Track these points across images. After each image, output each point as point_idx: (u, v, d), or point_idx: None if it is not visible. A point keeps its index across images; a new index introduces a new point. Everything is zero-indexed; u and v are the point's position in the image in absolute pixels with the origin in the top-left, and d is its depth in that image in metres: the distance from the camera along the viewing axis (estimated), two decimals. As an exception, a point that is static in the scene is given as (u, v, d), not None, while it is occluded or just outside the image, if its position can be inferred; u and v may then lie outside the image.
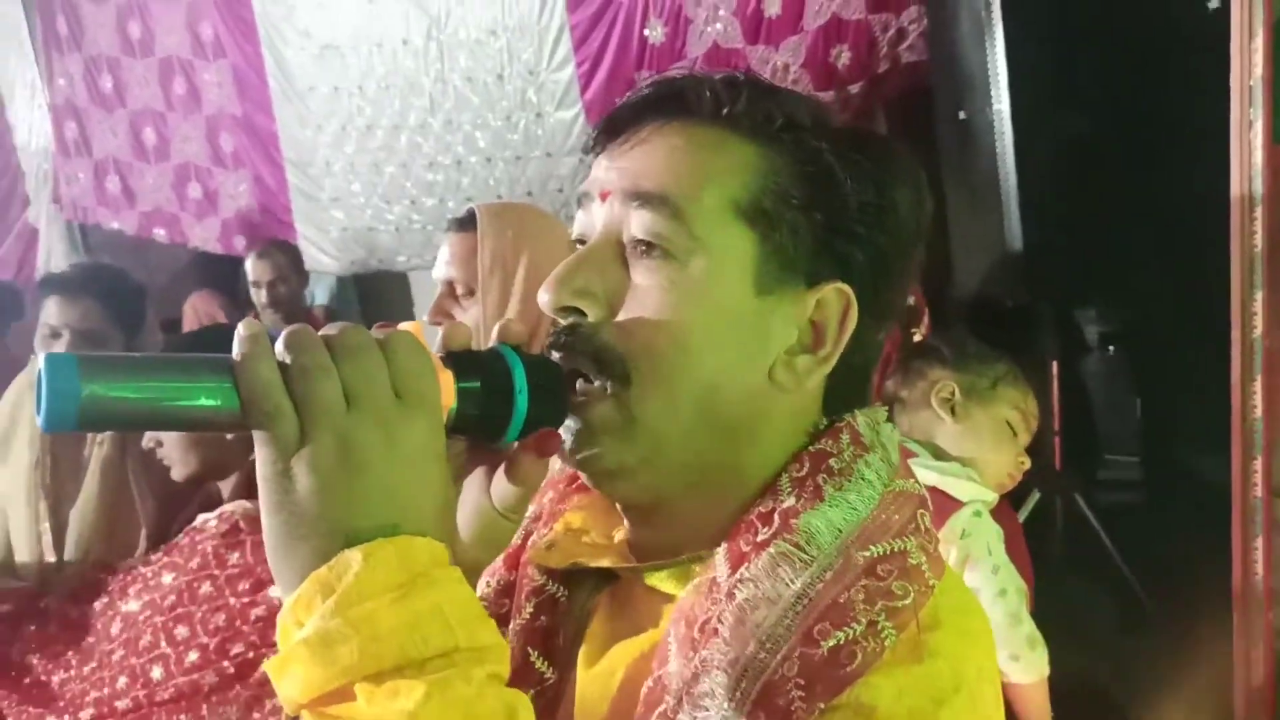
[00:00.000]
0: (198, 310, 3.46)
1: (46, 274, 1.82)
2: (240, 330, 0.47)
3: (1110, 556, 2.54)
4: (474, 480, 0.59)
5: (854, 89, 2.82)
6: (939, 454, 1.52)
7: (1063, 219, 2.37)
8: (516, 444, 0.56)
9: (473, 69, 3.27)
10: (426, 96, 3.35)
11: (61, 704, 1.26)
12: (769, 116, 0.58)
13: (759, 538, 0.55)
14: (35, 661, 1.33)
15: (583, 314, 0.58)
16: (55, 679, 1.31)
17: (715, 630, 0.52)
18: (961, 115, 2.51)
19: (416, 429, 0.48)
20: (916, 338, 1.66)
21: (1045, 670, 1.47)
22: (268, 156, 3.71)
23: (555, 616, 0.64)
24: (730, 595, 0.53)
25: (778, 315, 0.58)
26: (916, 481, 0.60)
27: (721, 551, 0.55)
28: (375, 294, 4.09)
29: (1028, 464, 1.57)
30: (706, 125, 0.58)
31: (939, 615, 0.54)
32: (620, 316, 0.57)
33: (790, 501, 0.56)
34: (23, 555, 1.70)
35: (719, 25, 2.88)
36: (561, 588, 0.64)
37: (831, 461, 0.57)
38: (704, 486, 0.59)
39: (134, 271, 4.02)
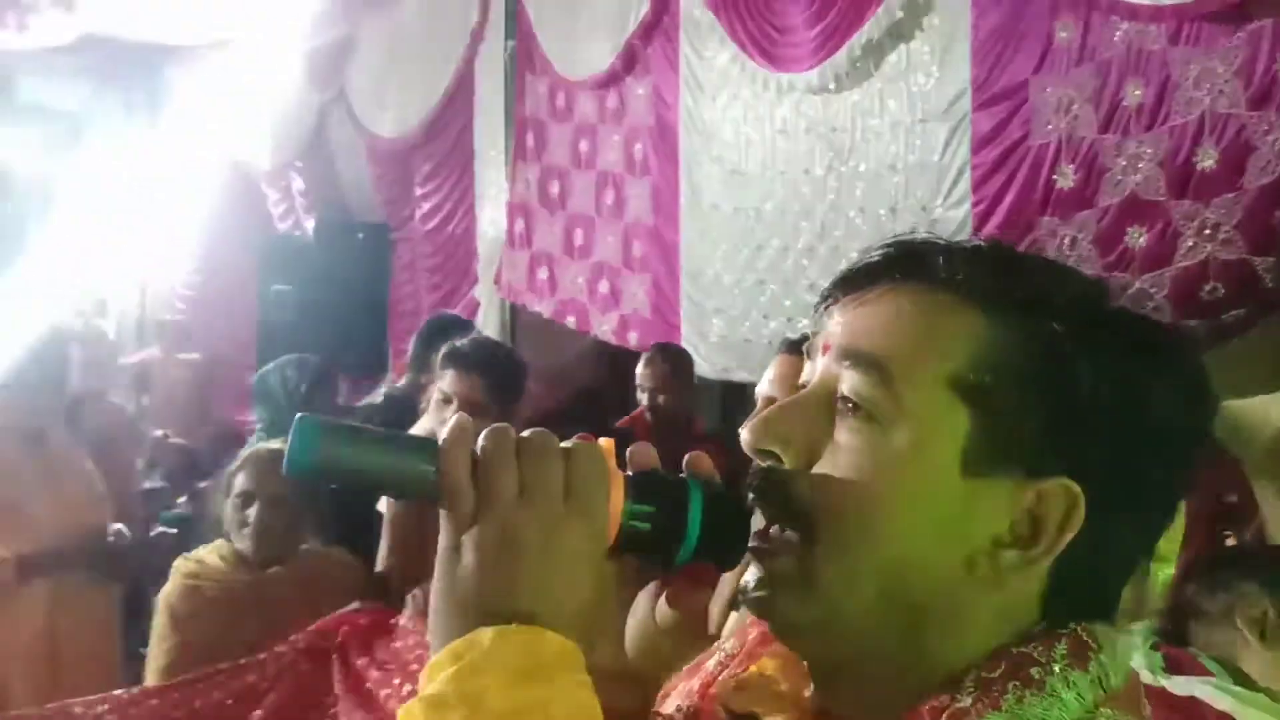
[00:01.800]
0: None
1: (450, 347, 2.15)
2: (452, 420, 0.54)
3: None
4: (647, 593, 0.62)
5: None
6: (1240, 679, 1.31)
7: None
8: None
9: (867, 201, 3.33)
10: (819, 223, 3.47)
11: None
12: (1007, 289, 0.55)
13: None
14: (374, 674, 1.53)
15: (780, 460, 0.57)
16: (382, 693, 1.49)
17: None
18: None
19: (576, 530, 0.52)
20: (1231, 541, 1.41)
21: None
22: (668, 264, 4.06)
23: None
24: None
25: (986, 501, 0.54)
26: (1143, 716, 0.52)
27: None
28: (741, 405, 4.25)
29: None
30: (940, 292, 0.56)
31: None
32: (815, 470, 0.56)
33: (965, 703, 0.51)
34: None
35: (1139, 175, 2.66)
36: None
37: (1033, 670, 0.52)
38: (885, 664, 0.56)
39: (550, 350, 4.56)
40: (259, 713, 1.55)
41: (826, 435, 0.57)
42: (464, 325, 3.34)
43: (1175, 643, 1.38)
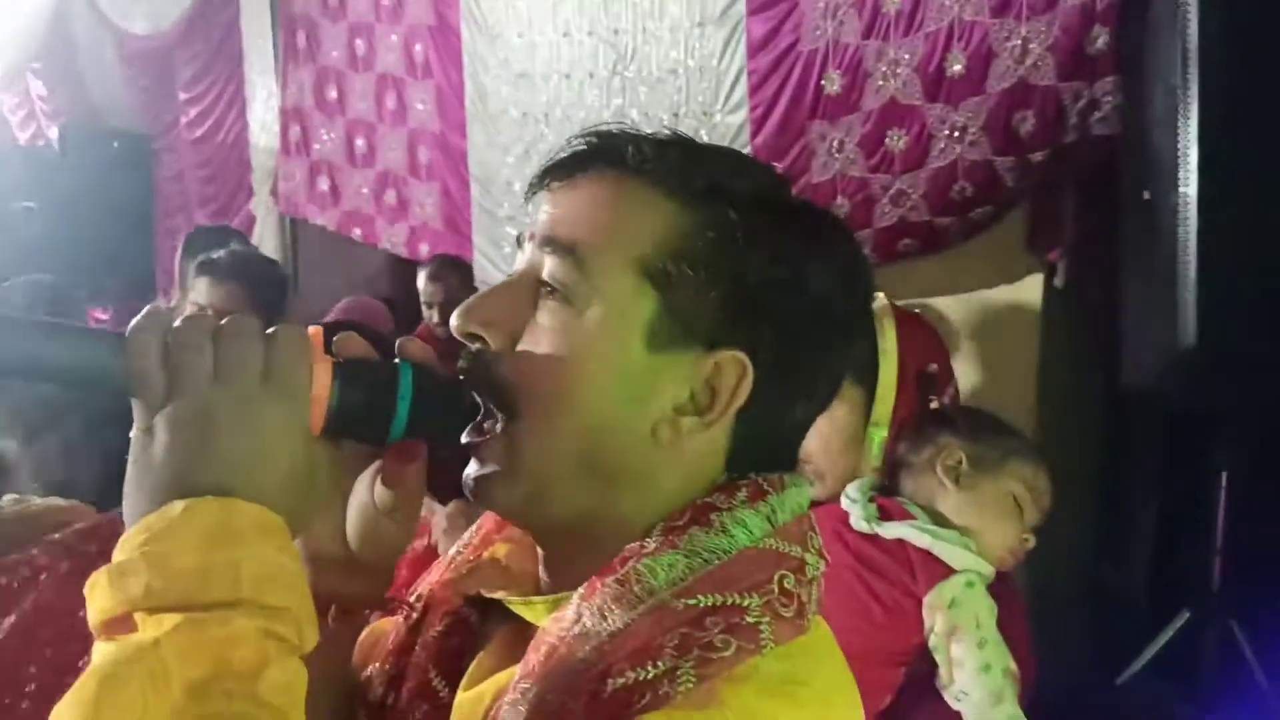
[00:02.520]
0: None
1: (204, 257, 2.04)
2: (145, 309, 0.53)
3: (1263, 692, 2.27)
4: (364, 479, 0.62)
5: (1035, 157, 2.68)
6: (939, 520, 1.49)
7: (1247, 319, 2.15)
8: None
9: (651, 105, 3.35)
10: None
11: None
12: (689, 177, 0.59)
13: (607, 578, 0.55)
14: None
15: (487, 344, 0.61)
16: None
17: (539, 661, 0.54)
18: (1146, 196, 2.33)
19: (274, 410, 0.52)
20: (934, 405, 1.63)
21: None
22: (456, 172, 3.94)
23: (465, 640, 0.66)
24: (566, 630, 0.54)
25: (669, 374, 0.59)
26: (805, 549, 0.59)
27: (581, 589, 0.56)
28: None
29: (1031, 543, 1.52)
30: (632, 179, 0.60)
31: (757, 674, 0.52)
32: (518, 349, 0.60)
33: (651, 546, 0.56)
34: None
35: (898, 80, 2.81)
36: (476, 613, 0.66)
37: (713, 515, 0.58)
38: (588, 530, 0.60)
39: (334, 265, 4.36)
40: (10, 619, 1.41)
41: (530, 318, 0.61)
42: (232, 236, 3.13)
43: (890, 494, 1.55)
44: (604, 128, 0.63)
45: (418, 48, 3.99)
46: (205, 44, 4.75)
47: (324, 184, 4.39)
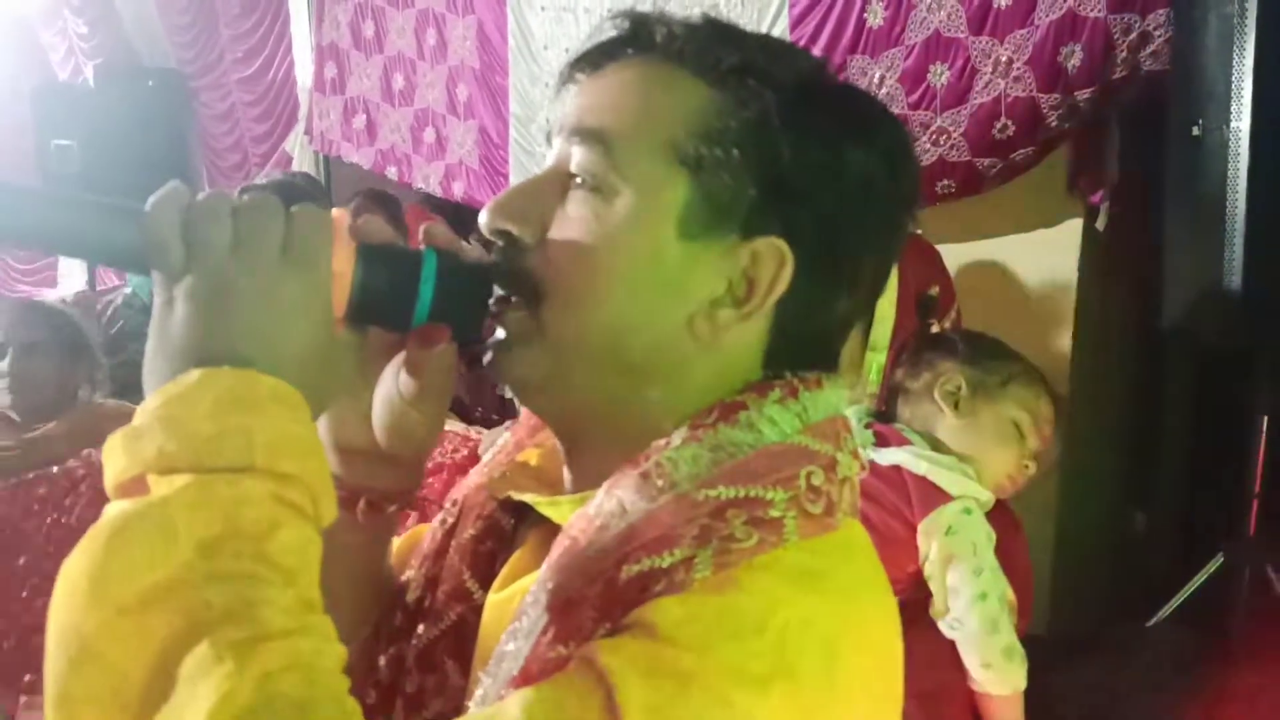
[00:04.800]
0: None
1: (244, 184, 2.03)
2: (166, 186, 0.52)
3: (1296, 641, 2.26)
4: (390, 370, 0.61)
5: (1082, 94, 2.62)
6: (936, 446, 1.47)
7: (1295, 257, 2.11)
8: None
9: (690, 40, 3.31)
10: (645, 64, 3.42)
11: None
12: (722, 57, 0.57)
13: (630, 471, 0.54)
14: None
15: (515, 240, 0.59)
16: None
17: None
18: (1195, 131, 2.27)
19: (293, 283, 0.51)
20: (935, 329, 1.57)
21: (1021, 684, 1.38)
22: (496, 111, 3.92)
23: (498, 543, 0.65)
24: (587, 523, 0.54)
25: (704, 264, 0.57)
26: (837, 448, 0.57)
27: (607, 484, 0.55)
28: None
29: (1033, 469, 1.48)
30: (660, 64, 0.58)
31: (779, 564, 0.51)
32: (545, 240, 0.58)
33: (676, 440, 0.55)
34: None
35: (943, 13, 2.75)
36: (510, 517, 0.66)
37: (741, 413, 0.56)
38: (614, 425, 0.59)
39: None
40: (55, 516, 1.45)
41: (559, 211, 0.58)
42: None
43: (887, 421, 1.52)
44: (633, 11, 0.60)
45: (459, -20, 3.95)
46: (248, -21, 4.74)
47: (360, 122, 4.39)
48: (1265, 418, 2.36)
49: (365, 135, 4.37)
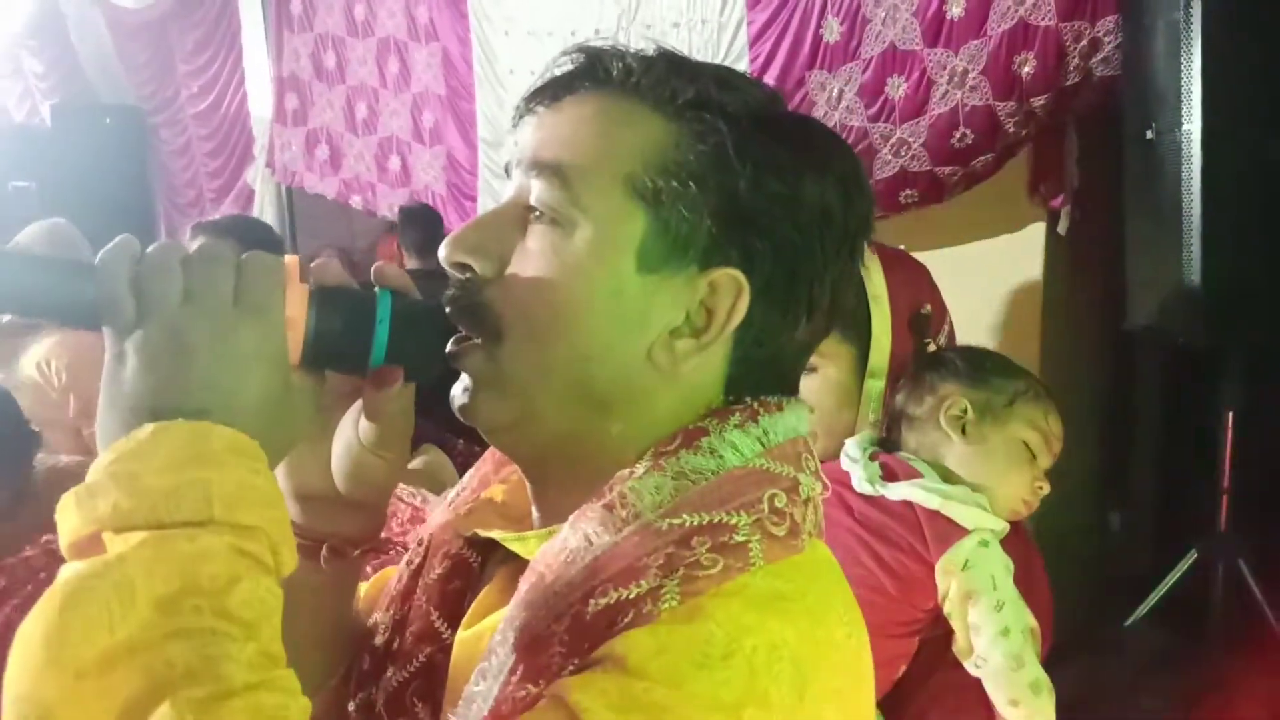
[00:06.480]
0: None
1: (198, 220, 2.07)
2: (116, 239, 0.51)
3: (1272, 631, 2.28)
4: (349, 417, 0.61)
5: (1038, 101, 2.66)
6: (947, 476, 1.39)
7: (1250, 254, 2.15)
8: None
9: (651, 60, 3.33)
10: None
11: None
12: (677, 91, 0.57)
13: (595, 503, 0.54)
14: None
15: (475, 273, 0.59)
16: None
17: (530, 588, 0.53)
18: (1149, 134, 2.32)
19: (247, 331, 0.51)
20: (931, 349, 1.52)
21: (1051, 718, 1.32)
22: (464, 136, 3.92)
23: (466, 581, 0.65)
24: (553, 557, 0.53)
25: (663, 295, 0.57)
26: (798, 469, 0.57)
27: (573, 517, 0.55)
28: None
29: (1046, 489, 1.41)
30: (617, 97, 0.58)
31: (746, 590, 0.51)
32: (505, 274, 0.58)
33: (639, 470, 0.55)
34: None
35: (898, 26, 2.79)
36: (477, 554, 0.65)
37: (703, 439, 0.56)
38: (580, 458, 0.59)
39: (334, 234, 4.35)
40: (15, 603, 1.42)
41: (519, 244, 0.58)
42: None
43: (891, 449, 1.43)
44: (589, 45, 0.60)
45: (420, 10, 3.96)
46: (204, 13, 4.72)
47: (323, 152, 4.37)
48: (1230, 412, 2.39)
49: (329, 165, 4.36)
